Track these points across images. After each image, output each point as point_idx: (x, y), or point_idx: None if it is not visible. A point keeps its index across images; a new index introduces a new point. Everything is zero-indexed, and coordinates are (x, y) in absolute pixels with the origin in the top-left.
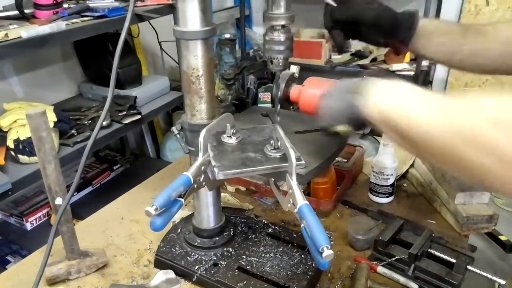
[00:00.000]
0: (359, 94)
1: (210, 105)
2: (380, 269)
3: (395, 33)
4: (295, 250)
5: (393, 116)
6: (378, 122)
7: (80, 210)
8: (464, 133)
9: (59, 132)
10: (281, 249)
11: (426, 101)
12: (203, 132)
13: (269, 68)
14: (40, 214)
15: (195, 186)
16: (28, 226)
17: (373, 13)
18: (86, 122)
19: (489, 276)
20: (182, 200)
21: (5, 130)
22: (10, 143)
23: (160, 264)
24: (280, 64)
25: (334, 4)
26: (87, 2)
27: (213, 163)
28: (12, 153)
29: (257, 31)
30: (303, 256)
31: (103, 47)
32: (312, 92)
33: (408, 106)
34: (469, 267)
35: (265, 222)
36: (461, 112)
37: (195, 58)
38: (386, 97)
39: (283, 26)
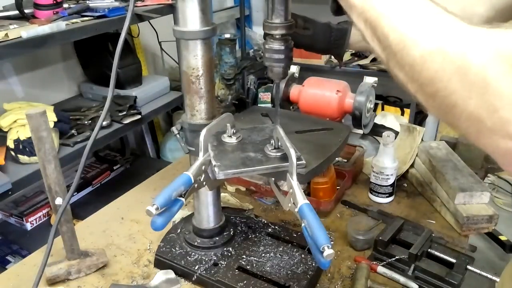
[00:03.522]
0: None
1: (210, 105)
2: (380, 269)
3: (330, 52)
4: (295, 250)
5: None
6: (356, 9)
7: (80, 210)
8: (452, 58)
9: (59, 132)
10: (281, 249)
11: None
12: (203, 132)
13: (269, 77)
14: (40, 214)
15: (196, 185)
16: (28, 226)
17: (307, 40)
18: (86, 122)
19: (489, 276)
20: (183, 199)
21: (5, 130)
22: (10, 143)
23: (160, 264)
24: (280, 72)
25: None
26: (87, 2)
27: (213, 162)
28: (12, 153)
29: (257, 31)
30: (303, 255)
31: (103, 47)
32: (312, 92)
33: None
34: (469, 267)
35: (265, 222)
36: (458, 33)
37: (195, 58)
38: None
39: (282, 35)
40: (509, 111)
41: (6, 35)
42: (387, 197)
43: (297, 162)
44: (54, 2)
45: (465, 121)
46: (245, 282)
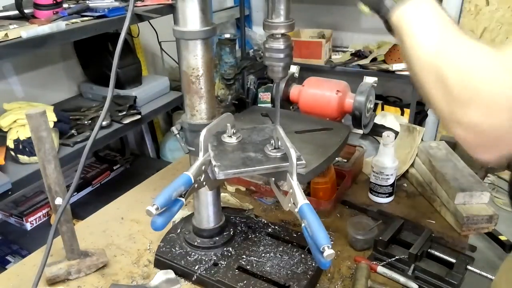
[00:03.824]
0: None
1: (210, 105)
2: (380, 269)
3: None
4: (295, 250)
5: (403, 31)
6: (393, 27)
7: (80, 210)
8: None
9: (59, 132)
10: (281, 249)
11: (436, 32)
12: (203, 132)
13: (269, 77)
14: (40, 214)
15: (196, 185)
16: (28, 226)
17: None
18: (86, 122)
19: (489, 276)
20: (183, 199)
21: (5, 130)
22: (10, 143)
23: (160, 264)
24: (280, 71)
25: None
26: (87, 2)
27: (213, 162)
28: (12, 153)
29: (257, 31)
30: (303, 255)
31: (103, 47)
32: (312, 92)
33: (418, 29)
34: (469, 267)
35: (265, 222)
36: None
37: (195, 58)
38: (409, 10)
39: (283, 35)
40: (456, 106)
41: (6, 35)
42: (387, 197)
43: (297, 162)
44: (54, 2)
45: (436, 112)
46: (245, 282)
